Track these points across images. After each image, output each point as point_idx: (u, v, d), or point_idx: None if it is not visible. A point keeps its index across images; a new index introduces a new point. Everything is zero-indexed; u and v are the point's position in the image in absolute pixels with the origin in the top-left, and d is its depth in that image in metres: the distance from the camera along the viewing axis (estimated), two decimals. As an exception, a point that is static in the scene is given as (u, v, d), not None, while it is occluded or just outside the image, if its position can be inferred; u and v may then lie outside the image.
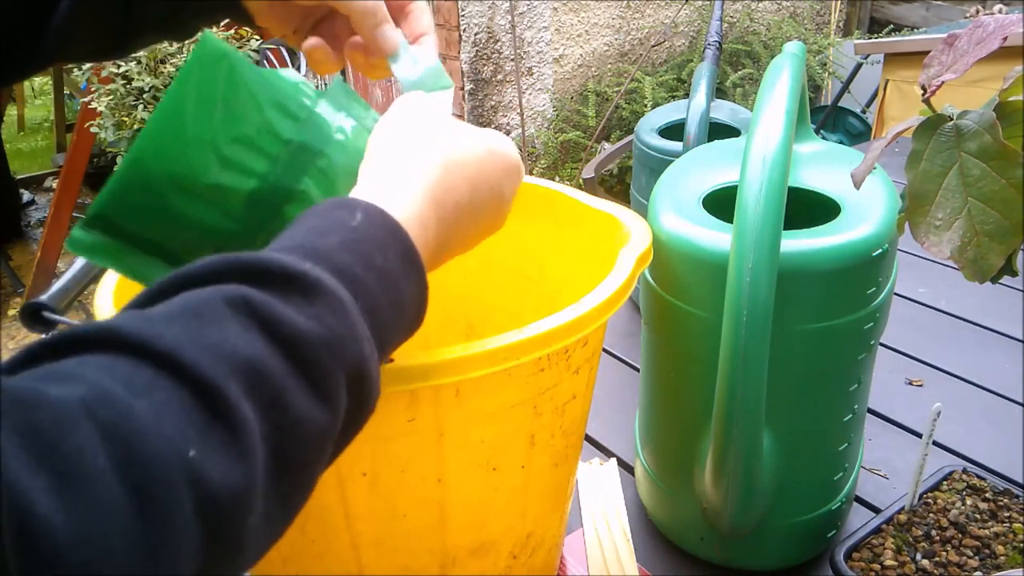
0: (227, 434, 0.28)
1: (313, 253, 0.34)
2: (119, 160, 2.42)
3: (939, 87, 0.45)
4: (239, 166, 0.42)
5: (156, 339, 0.28)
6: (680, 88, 3.08)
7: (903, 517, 0.65)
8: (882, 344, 0.95)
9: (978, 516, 0.64)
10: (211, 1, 0.51)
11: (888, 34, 3.01)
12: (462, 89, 3.34)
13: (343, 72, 4.10)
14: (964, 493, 0.67)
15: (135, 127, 2.62)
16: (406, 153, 0.42)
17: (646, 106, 2.89)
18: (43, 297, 0.60)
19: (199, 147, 0.40)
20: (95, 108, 2.64)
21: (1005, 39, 0.43)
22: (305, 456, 0.31)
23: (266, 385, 0.30)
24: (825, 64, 3.33)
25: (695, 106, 0.94)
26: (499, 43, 3.18)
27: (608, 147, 2.75)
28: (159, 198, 0.41)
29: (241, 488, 0.28)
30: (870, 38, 2.74)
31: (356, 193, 0.40)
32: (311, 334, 0.31)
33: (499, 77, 3.24)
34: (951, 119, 0.43)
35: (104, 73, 2.67)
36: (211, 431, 0.27)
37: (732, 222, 0.54)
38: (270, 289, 0.32)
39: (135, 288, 0.44)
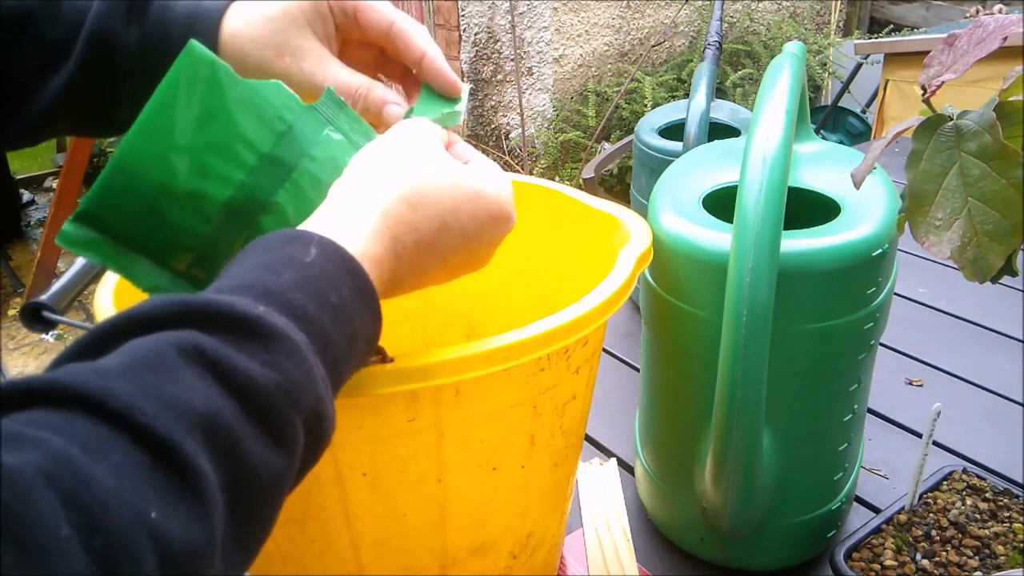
0: (187, 492, 0.27)
1: (266, 293, 0.34)
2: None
3: (939, 87, 0.45)
4: (217, 174, 0.42)
5: (111, 396, 0.27)
6: (680, 88, 3.08)
7: (903, 517, 0.65)
8: (882, 344, 0.95)
9: (978, 516, 0.64)
10: None
11: (888, 34, 3.01)
12: (462, 89, 3.33)
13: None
14: (964, 493, 0.67)
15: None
16: (367, 184, 0.41)
17: (646, 106, 2.89)
18: (43, 297, 0.60)
19: (180, 153, 0.41)
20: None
21: (1005, 39, 0.43)
22: (263, 502, 0.32)
23: (223, 437, 0.29)
24: (825, 64, 3.33)
25: (695, 106, 0.94)
26: (499, 43, 3.18)
27: (608, 147, 2.75)
28: (141, 199, 0.42)
29: (202, 545, 0.28)
30: (870, 38, 2.74)
31: (311, 222, 0.39)
32: (266, 382, 0.31)
33: (499, 77, 3.24)
34: (951, 119, 0.43)
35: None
36: (171, 490, 0.27)
37: (732, 222, 0.54)
38: (223, 335, 0.31)
39: (135, 289, 0.44)
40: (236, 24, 0.48)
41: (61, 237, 0.41)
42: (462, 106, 0.51)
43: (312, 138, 0.44)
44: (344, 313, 0.36)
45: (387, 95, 0.49)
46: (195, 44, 0.41)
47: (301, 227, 0.39)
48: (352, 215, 0.39)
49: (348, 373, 0.39)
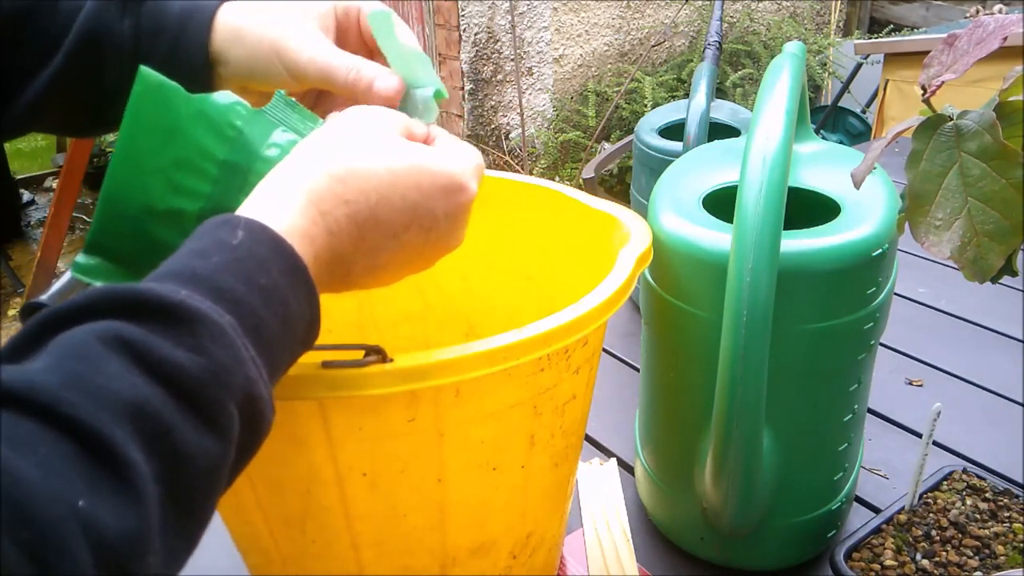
0: (117, 481, 0.27)
1: (192, 278, 0.34)
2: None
3: (939, 87, 0.45)
4: (186, 189, 0.44)
5: (37, 392, 0.27)
6: (680, 88, 3.08)
7: (903, 517, 0.65)
8: (882, 344, 0.95)
9: (978, 516, 0.64)
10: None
11: (888, 34, 3.01)
12: (462, 89, 3.34)
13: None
14: (964, 493, 0.67)
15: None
16: (295, 165, 0.41)
17: (646, 106, 2.89)
18: (43, 297, 0.60)
19: (152, 175, 0.43)
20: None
21: (1005, 39, 0.43)
22: (201, 488, 0.32)
23: (153, 425, 0.29)
24: (825, 64, 3.33)
25: (695, 106, 0.94)
26: (499, 43, 3.18)
27: (608, 147, 2.75)
28: (131, 223, 0.44)
29: (136, 532, 0.28)
30: (870, 38, 2.74)
31: (243, 207, 0.39)
32: (193, 367, 0.31)
33: (499, 77, 3.24)
34: (951, 119, 0.43)
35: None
36: (101, 480, 0.27)
37: (732, 222, 0.54)
38: (147, 323, 0.31)
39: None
40: (232, 14, 0.49)
41: (76, 268, 0.43)
42: (432, 78, 0.51)
43: (263, 139, 0.45)
44: (276, 293, 0.36)
45: (379, 70, 0.48)
46: (144, 70, 0.42)
47: (238, 211, 0.39)
48: (276, 194, 0.39)
49: (289, 356, 0.38)
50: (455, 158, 0.44)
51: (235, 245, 0.36)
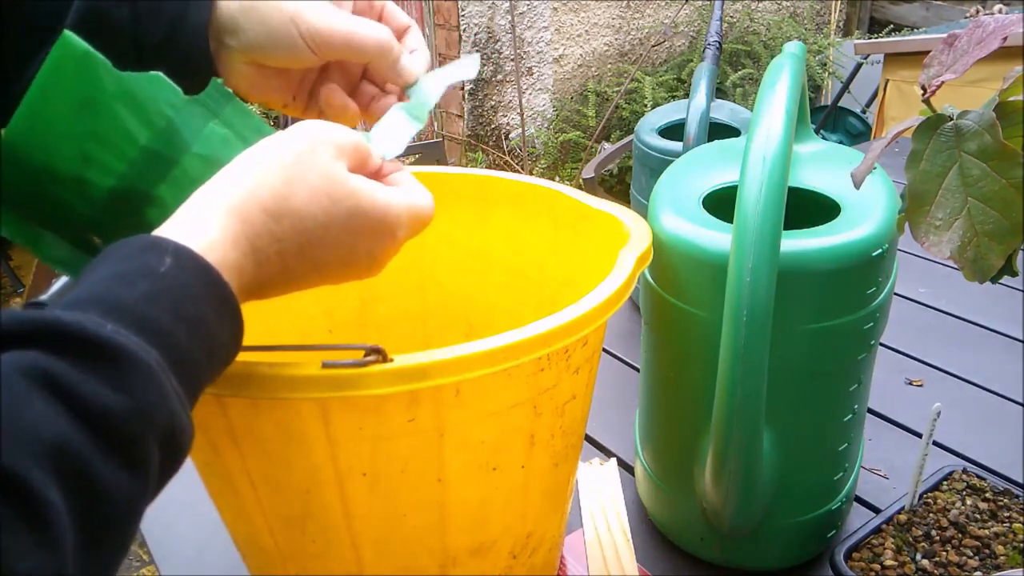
0: (34, 524, 0.27)
1: (117, 307, 0.33)
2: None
3: (939, 87, 0.45)
4: (98, 162, 0.43)
5: None
6: (680, 88, 3.08)
7: (903, 517, 0.65)
8: (882, 344, 0.95)
9: (978, 516, 0.64)
10: (188, 78, 0.46)
11: (888, 34, 3.01)
12: (462, 89, 3.34)
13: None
14: (964, 493, 0.67)
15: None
16: (231, 188, 0.40)
17: (646, 106, 2.89)
18: (43, 297, 0.60)
19: (61, 139, 0.42)
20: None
21: (1005, 39, 0.43)
22: (116, 524, 0.31)
23: (73, 464, 0.29)
24: (825, 64, 3.33)
25: (695, 106, 0.94)
26: (499, 43, 3.18)
27: (608, 147, 2.75)
28: (29, 179, 0.43)
29: (51, 572, 0.27)
30: (870, 38, 2.74)
31: (170, 224, 0.38)
32: (116, 407, 0.31)
33: (499, 77, 3.24)
34: (951, 119, 0.43)
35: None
36: (17, 524, 0.27)
37: (732, 222, 0.54)
38: (71, 358, 0.31)
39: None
40: None
41: None
42: (465, 70, 0.51)
43: (195, 133, 0.44)
44: (202, 325, 0.36)
45: (410, 44, 0.48)
46: (69, 35, 0.41)
47: (160, 230, 0.38)
48: (210, 221, 0.39)
49: (207, 382, 0.38)
50: (394, 204, 0.44)
51: (162, 273, 0.35)
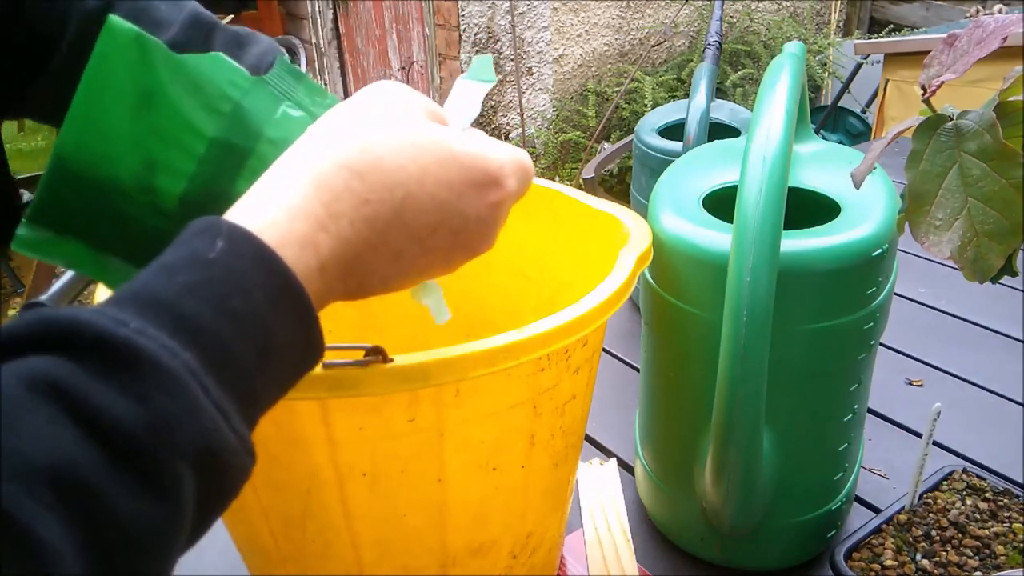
0: (24, 561, 0.24)
1: (152, 303, 0.29)
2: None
3: (939, 87, 0.45)
4: (166, 166, 0.37)
5: None
6: (680, 88, 3.08)
7: (903, 517, 0.65)
8: (882, 344, 0.95)
9: (978, 516, 0.64)
10: None
11: (888, 34, 3.01)
12: (462, 89, 3.33)
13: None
14: (964, 493, 0.67)
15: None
16: (303, 152, 0.34)
17: (646, 106, 2.89)
18: (43, 297, 0.60)
19: (121, 143, 0.37)
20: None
21: (1005, 39, 0.43)
22: (141, 555, 0.27)
23: (79, 489, 0.25)
24: (825, 64, 3.34)
25: (695, 106, 0.94)
26: (499, 43, 3.18)
27: (608, 147, 2.75)
28: (91, 198, 0.37)
29: None
30: (870, 38, 2.74)
31: (236, 206, 0.33)
32: (131, 420, 0.27)
33: (499, 77, 3.24)
34: (951, 119, 0.43)
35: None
36: (3, 563, 0.23)
37: (732, 222, 0.54)
38: (85, 363, 0.27)
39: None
40: None
41: (17, 242, 0.37)
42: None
43: (266, 117, 0.39)
44: (252, 320, 0.31)
45: None
46: (115, 20, 0.35)
47: (229, 212, 0.33)
48: (277, 191, 0.33)
49: (277, 387, 0.33)
50: (491, 152, 0.38)
51: (211, 260, 0.30)
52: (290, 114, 0.40)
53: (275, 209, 0.33)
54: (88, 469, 0.26)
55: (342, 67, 4.09)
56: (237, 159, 0.39)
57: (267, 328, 0.31)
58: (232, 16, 3.08)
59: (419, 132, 0.36)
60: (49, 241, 0.38)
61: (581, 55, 3.13)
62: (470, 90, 0.45)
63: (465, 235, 0.38)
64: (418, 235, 0.36)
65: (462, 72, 3.30)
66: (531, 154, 3.13)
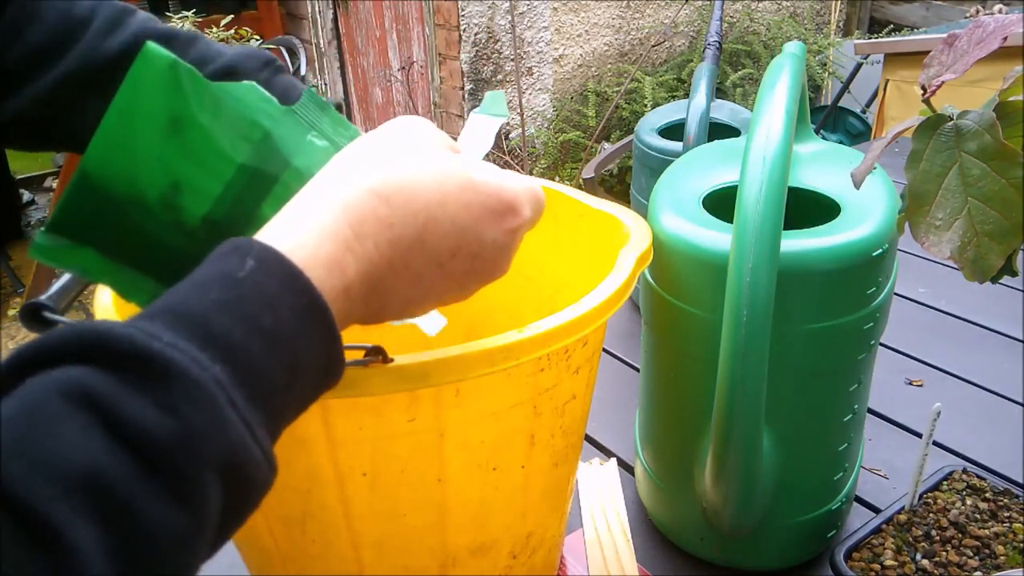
0: (53, 565, 0.24)
1: (184, 318, 0.30)
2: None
3: (939, 87, 0.45)
4: (192, 187, 0.39)
5: None
6: (680, 88, 3.08)
7: (903, 517, 0.65)
8: (882, 344, 0.95)
9: (978, 516, 0.64)
10: None
11: (888, 34, 3.01)
12: (462, 89, 3.34)
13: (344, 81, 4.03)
14: (964, 493, 0.67)
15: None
16: (331, 179, 0.36)
17: (646, 106, 2.89)
18: (43, 297, 0.60)
19: (148, 164, 0.38)
20: (95, 108, 2.63)
21: (1005, 39, 0.43)
22: (166, 562, 0.28)
23: (109, 497, 0.26)
24: (825, 64, 3.34)
25: (695, 106, 0.94)
26: (499, 43, 3.18)
27: (608, 147, 2.75)
28: (114, 213, 0.38)
29: None
30: (870, 38, 2.74)
31: (265, 228, 0.35)
32: (161, 431, 0.27)
33: (499, 77, 3.24)
34: (951, 119, 0.43)
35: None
36: (35, 565, 0.24)
37: (732, 222, 0.54)
38: (117, 374, 0.28)
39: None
40: None
41: (35, 250, 0.38)
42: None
43: (294, 146, 0.41)
44: (281, 338, 0.32)
45: None
46: (152, 46, 0.37)
47: (259, 234, 0.34)
48: (305, 214, 0.34)
49: (298, 404, 0.34)
50: (507, 183, 0.40)
51: (240, 279, 0.31)
52: (315, 143, 0.41)
53: (304, 231, 0.34)
54: (118, 477, 0.26)
55: (342, 67, 4.09)
56: (264, 184, 0.40)
57: (294, 346, 0.32)
58: (232, 16, 3.08)
59: (441, 161, 0.38)
60: (65, 249, 0.39)
61: (581, 55, 3.13)
62: (483, 125, 0.48)
63: (481, 260, 0.40)
64: (438, 259, 0.38)
65: (462, 72, 3.31)
66: (531, 154, 3.13)
